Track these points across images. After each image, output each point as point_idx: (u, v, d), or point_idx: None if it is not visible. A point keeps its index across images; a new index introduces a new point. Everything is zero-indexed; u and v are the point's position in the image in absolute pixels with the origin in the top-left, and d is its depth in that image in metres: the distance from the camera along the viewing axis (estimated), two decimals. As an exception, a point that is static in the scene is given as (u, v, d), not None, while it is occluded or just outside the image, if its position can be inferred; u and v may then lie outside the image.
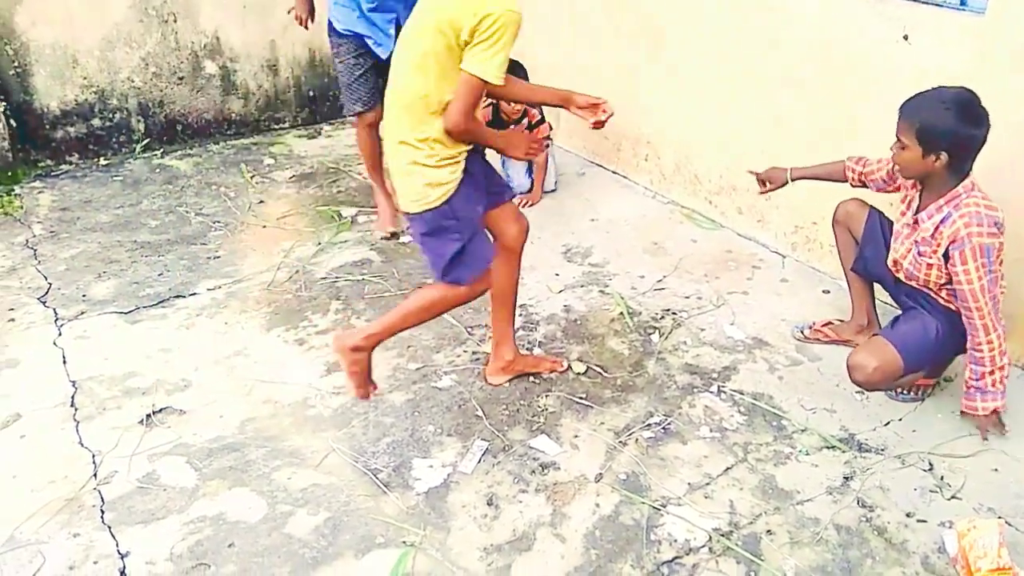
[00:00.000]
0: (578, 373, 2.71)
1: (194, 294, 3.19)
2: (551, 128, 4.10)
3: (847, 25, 2.92)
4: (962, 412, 2.40)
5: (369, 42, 3.32)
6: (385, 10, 3.27)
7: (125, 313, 3.05)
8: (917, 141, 2.17)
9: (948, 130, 2.13)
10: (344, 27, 3.33)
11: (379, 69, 3.30)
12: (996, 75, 2.50)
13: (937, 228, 2.25)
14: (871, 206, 2.64)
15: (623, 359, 2.80)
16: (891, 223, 2.56)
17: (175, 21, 4.41)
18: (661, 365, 2.77)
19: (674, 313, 3.07)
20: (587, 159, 4.53)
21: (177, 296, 3.17)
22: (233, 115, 4.79)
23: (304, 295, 3.18)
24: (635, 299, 3.17)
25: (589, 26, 4.19)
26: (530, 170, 4.06)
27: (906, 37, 2.72)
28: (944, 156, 2.16)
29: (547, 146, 4.11)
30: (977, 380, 2.31)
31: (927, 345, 2.37)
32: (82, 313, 3.05)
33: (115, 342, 2.88)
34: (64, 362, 2.76)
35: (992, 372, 2.28)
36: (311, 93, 5.01)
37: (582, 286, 3.28)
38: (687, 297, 3.19)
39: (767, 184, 2.79)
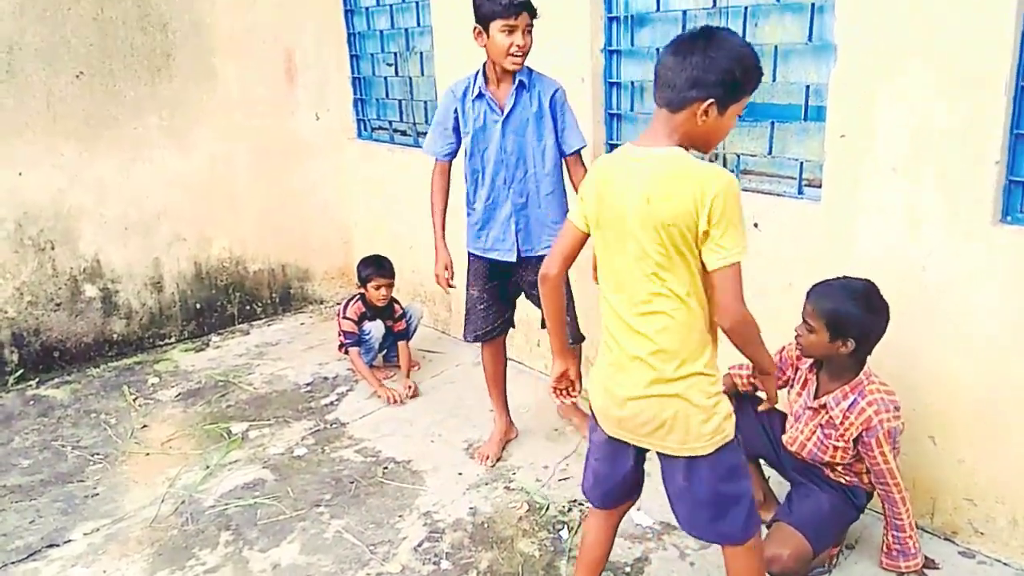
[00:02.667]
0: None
1: (69, 541, 2.94)
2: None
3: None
4: (886, 568, 2.55)
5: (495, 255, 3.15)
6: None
7: (-12, 573, 2.78)
8: (825, 327, 2.33)
9: (857, 320, 2.32)
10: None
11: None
12: (835, 256, 2.74)
13: (845, 415, 2.41)
14: (736, 391, 2.76)
15: (534, 562, 2.72)
16: (758, 400, 2.69)
17: (52, 248, 4.35)
18: (573, 564, 2.70)
19: (581, 504, 3.04)
20: (481, 347, 4.58)
21: (50, 545, 2.91)
22: (115, 336, 4.66)
23: (191, 528, 2.98)
24: (541, 492, 3.12)
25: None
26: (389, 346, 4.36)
27: (756, 225, 2.97)
28: (851, 343, 2.34)
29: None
30: (900, 544, 2.50)
31: (826, 521, 2.47)
32: (-63, 579, 2.75)
33: (-25, 610, 2.60)
34: (-88, 644, 2.46)
35: (910, 536, 2.48)
36: (197, 305, 4.95)
37: (486, 484, 3.22)
38: (592, 484, 3.17)
39: None
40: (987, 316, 2.46)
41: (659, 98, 1.81)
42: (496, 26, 2.73)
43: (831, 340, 2.35)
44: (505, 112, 2.93)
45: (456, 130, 3.05)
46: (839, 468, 2.52)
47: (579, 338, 3.34)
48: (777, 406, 2.35)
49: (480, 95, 2.93)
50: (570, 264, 2.09)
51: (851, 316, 2.32)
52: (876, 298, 2.37)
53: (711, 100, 1.74)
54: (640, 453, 2.07)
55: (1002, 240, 2.39)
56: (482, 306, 3.25)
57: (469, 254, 3.22)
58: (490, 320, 3.28)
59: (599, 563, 2.27)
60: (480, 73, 2.95)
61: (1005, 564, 2.57)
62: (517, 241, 3.08)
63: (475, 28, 2.80)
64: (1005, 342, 2.44)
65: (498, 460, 3.38)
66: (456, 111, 3.01)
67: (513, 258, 3.11)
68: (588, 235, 2.01)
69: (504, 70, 2.87)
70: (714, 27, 1.80)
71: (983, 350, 2.49)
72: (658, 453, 1.97)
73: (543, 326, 3.08)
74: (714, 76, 1.73)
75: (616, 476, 2.11)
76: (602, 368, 2.01)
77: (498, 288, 3.24)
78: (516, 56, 2.79)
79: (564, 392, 2.26)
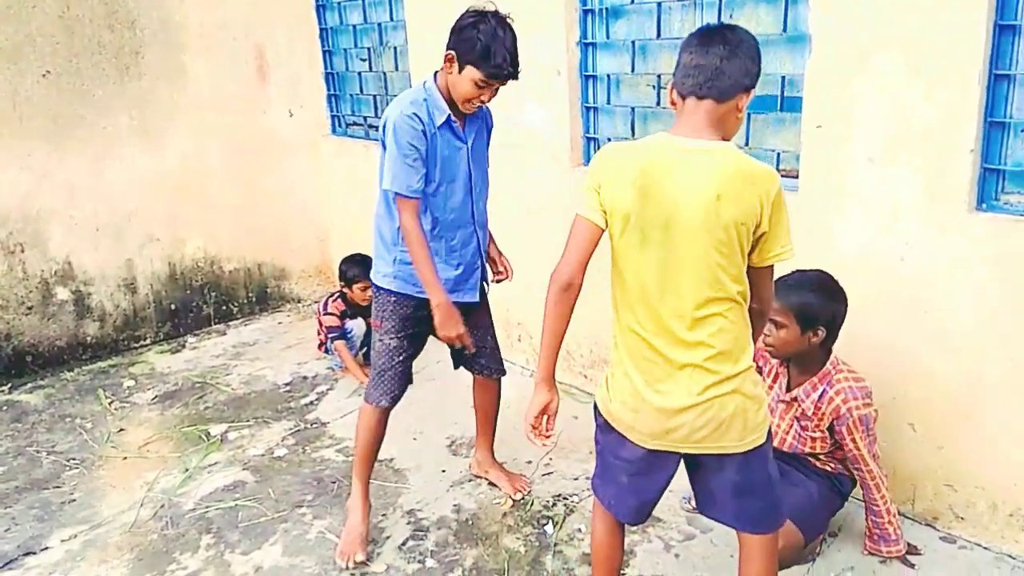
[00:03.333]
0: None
1: (46, 548, 2.88)
2: None
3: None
4: (870, 552, 2.58)
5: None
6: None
7: (-37, 584, 2.72)
8: (796, 320, 2.37)
9: (823, 308, 2.37)
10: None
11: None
12: (812, 248, 2.75)
13: (816, 405, 2.46)
14: None
15: (520, 558, 2.71)
16: None
17: (22, 251, 4.27)
18: (559, 559, 2.70)
19: (565, 498, 3.04)
20: (462, 343, 4.56)
21: (27, 554, 2.86)
22: (89, 339, 4.58)
23: (170, 533, 2.94)
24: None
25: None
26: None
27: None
28: (821, 331, 2.39)
29: None
30: (879, 530, 2.53)
31: (815, 509, 2.52)
32: (-90, 592, 2.69)
33: (-50, 622, 2.54)
34: None
35: (890, 522, 2.51)
36: (172, 306, 4.88)
37: (469, 480, 3.20)
38: (576, 479, 3.17)
39: None
40: (964, 303, 2.48)
41: (706, 89, 1.75)
42: (474, 74, 2.40)
43: (802, 332, 2.39)
44: (469, 140, 2.64)
45: (424, 160, 2.53)
46: (822, 456, 2.55)
47: (502, 371, 3.09)
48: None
49: (447, 121, 2.54)
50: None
51: (817, 305, 2.37)
52: (834, 284, 2.43)
53: (752, 89, 1.78)
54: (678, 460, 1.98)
55: (977, 228, 2.41)
56: (401, 357, 2.77)
57: (394, 295, 2.72)
58: (406, 377, 2.83)
59: (619, 566, 2.24)
60: (436, 95, 2.52)
61: (985, 548, 2.60)
62: (482, 278, 2.84)
63: (449, 53, 2.44)
64: (982, 329, 2.46)
65: (366, 561, 2.71)
66: (423, 138, 2.51)
67: (477, 298, 2.82)
68: (603, 232, 1.87)
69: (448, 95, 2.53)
70: (724, 23, 1.84)
71: (961, 338, 2.51)
72: (702, 456, 1.91)
73: (456, 366, 3.02)
74: (757, 66, 1.78)
75: (654, 488, 2.03)
76: (632, 382, 1.88)
77: (415, 335, 2.81)
78: (474, 107, 2.52)
79: (544, 429, 2.00)
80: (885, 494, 2.50)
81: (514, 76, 2.45)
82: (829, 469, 2.58)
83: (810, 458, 2.58)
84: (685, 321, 1.79)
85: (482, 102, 2.50)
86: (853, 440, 2.42)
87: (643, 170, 1.76)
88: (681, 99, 1.80)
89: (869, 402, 2.42)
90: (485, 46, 2.36)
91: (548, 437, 2.01)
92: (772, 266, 1.84)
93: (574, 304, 1.91)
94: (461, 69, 2.43)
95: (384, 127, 2.53)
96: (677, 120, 1.81)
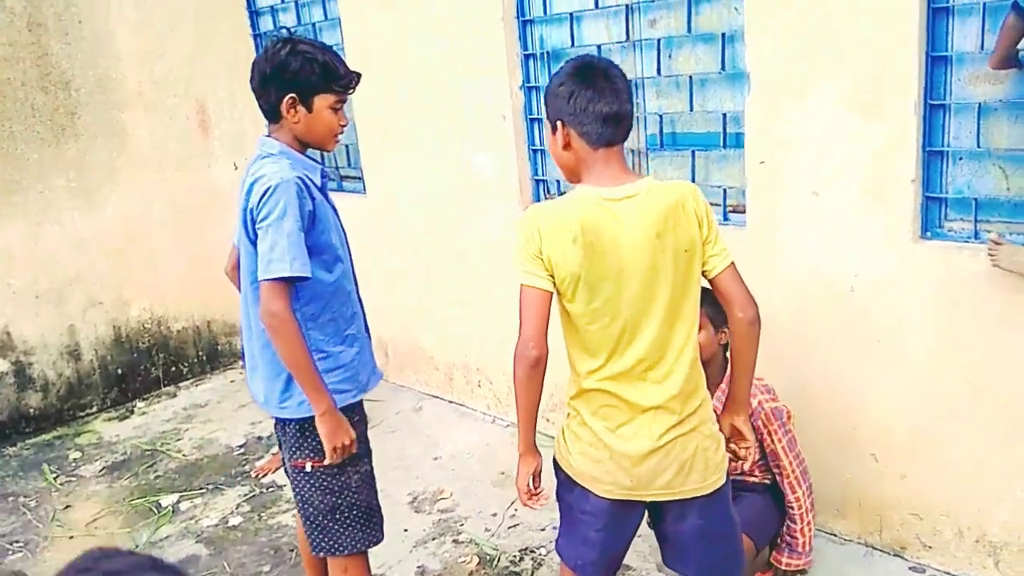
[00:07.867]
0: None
1: (-15, 644, 2.72)
2: None
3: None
4: (770, 561, 2.56)
5: None
6: None
7: None
8: (710, 320, 2.33)
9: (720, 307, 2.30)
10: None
11: None
12: (763, 282, 2.75)
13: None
14: None
15: (487, 618, 2.63)
16: None
17: (-44, 324, 4.11)
18: (527, 617, 2.62)
19: (532, 551, 2.96)
20: (422, 392, 4.48)
21: (-36, 650, 2.70)
22: (31, 411, 4.39)
23: (121, 618, 2.79)
24: (491, 542, 3.03)
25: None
26: None
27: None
28: (725, 331, 2.32)
29: None
30: (789, 536, 2.52)
31: (763, 516, 2.49)
32: None
33: None
34: None
35: (802, 531, 2.49)
36: (119, 371, 4.72)
37: (434, 539, 3.11)
38: (542, 529, 3.09)
39: None
40: (916, 331, 2.49)
41: (620, 136, 1.79)
42: (327, 100, 2.08)
43: (716, 332, 2.37)
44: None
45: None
46: (757, 473, 2.56)
47: None
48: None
49: (323, 177, 2.18)
50: None
51: (717, 303, 2.31)
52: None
53: None
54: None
55: (924, 256, 2.43)
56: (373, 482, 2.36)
57: (342, 412, 2.15)
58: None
59: None
60: (295, 153, 2.11)
61: (954, 576, 2.59)
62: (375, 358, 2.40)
63: (288, 99, 2.05)
64: (935, 355, 2.47)
65: None
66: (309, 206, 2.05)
67: (378, 381, 2.39)
68: (552, 296, 1.81)
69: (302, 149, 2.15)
70: (595, 56, 1.90)
71: (915, 365, 2.52)
72: (666, 503, 1.89)
73: None
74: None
75: (623, 541, 1.99)
76: (591, 430, 1.86)
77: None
78: (338, 138, 2.18)
79: (536, 495, 2.01)
80: (801, 497, 2.48)
81: (358, 77, 2.14)
82: (767, 482, 2.57)
83: (746, 475, 2.55)
84: (644, 367, 1.80)
85: (343, 129, 2.16)
86: (770, 434, 2.43)
87: (584, 228, 1.73)
88: (592, 149, 1.77)
89: (775, 397, 2.44)
90: (323, 64, 2.05)
91: (540, 495, 2.03)
92: (732, 271, 1.82)
93: (544, 376, 1.86)
94: (310, 106, 2.07)
95: (265, 198, 1.97)
96: (591, 170, 1.79)
